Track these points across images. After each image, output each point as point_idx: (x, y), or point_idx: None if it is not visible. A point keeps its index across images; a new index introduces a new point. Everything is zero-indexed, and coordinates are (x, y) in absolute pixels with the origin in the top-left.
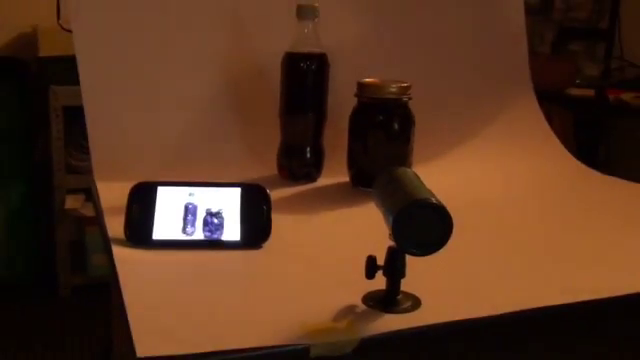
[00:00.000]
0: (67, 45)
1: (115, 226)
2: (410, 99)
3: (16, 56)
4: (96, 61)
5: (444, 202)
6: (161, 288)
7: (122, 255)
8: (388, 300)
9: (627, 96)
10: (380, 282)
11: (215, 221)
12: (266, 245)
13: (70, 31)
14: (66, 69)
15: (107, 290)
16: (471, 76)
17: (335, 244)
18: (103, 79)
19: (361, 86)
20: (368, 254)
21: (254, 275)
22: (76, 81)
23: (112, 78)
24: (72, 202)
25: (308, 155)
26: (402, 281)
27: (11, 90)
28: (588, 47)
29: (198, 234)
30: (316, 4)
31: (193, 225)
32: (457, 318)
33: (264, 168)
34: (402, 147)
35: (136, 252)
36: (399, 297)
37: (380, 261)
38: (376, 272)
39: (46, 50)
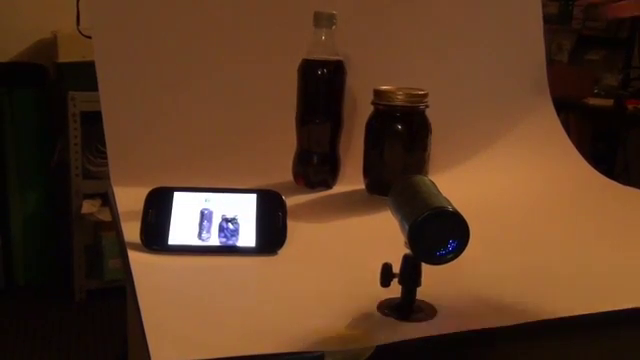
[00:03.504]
0: (86, 51)
1: (131, 231)
2: (427, 107)
3: (35, 62)
4: (115, 67)
5: (461, 210)
6: (176, 293)
7: (138, 260)
8: (403, 308)
9: None
10: (395, 290)
11: (231, 227)
12: (281, 251)
13: (89, 37)
14: (85, 75)
15: (122, 295)
16: (488, 85)
17: (350, 251)
18: (122, 85)
19: (377, 93)
20: (383, 262)
21: (269, 281)
22: (95, 87)
23: (131, 84)
24: (89, 207)
25: (324, 162)
26: (417, 289)
27: (30, 95)
28: (607, 56)
29: (213, 240)
30: (334, 11)
31: (209, 231)
32: (473, 328)
33: (280, 175)
34: (418, 155)
35: (152, 257)
36: (414, 305)
37: (396, 269)
38: (391, 280)
39: (65, 56)
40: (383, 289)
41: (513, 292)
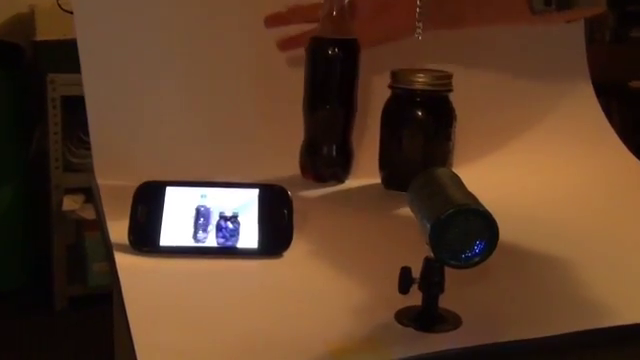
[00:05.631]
0: (67, 28)
1: (118, 230)
2: (451, 91)
3: (9, 40)
4: (99, 46)
5: (489, 208)
6: (168, 300)
7: (126, 263)
8: (424, 318)
9: None
10: (415, 297)
11: (230, 226)
12: (287, 254)
13: (71, 12)
14: (65, 55)
15: (108, 302)
16: (520, 66)
17: (365, 254)
18: (107, 66)
19: (395, 75)
20: (402, 265)
21: (273, 287)
22: (76, 68)
23: (117, 65)
24: (70, 203)
25: (335, 153)
26: (440, 297)
27: (4, 78)
28: None
29: (211, 240)
30: None
31: (205, 230)
32: (502, 340)
33: (285, 167)
34: (441, 145)
35: (141, 260)
36: (437, 314)
37: (416, 273)
38: (411, 286)
39: (43, 33)
40: (401, 296)
41: (548, 300)
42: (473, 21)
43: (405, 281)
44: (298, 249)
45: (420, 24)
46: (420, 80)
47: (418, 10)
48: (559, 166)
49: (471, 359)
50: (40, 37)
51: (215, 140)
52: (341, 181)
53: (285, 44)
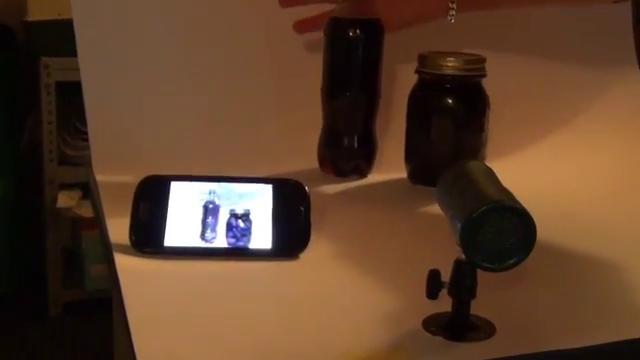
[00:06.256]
0: (62, 7)
1: (118, 230)
2: (484, 76)
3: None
4: (98, 27)
5: (525, 205)
6: (173, 307)
7: (127, 265)
8: (454, 326)
9: None
10: (445, 303)
11: (241, 225)
12: (304, 255)
13: None
14: (61, 36)
15: (108, 309)
16: (559, 50)
17: (389, 255)
18: (106, 49)
19: (423, 59)
20: (430, 268)
21: (288, 292)
22: (73, 51)
23: (117, 47)
24: (66, 200)
25: (356, 145)
26: (472, 302)
27: None
28: None
29: (220, 241)
30: None
31: (214, 229)
32: (540, 350)
33: (302, 160)
34: (473, 136)
35: (144, 262)
36: (468, 322)
37: (445, 277)
38: (440, 291)
39: (36, 13)
40: (430, 302)
41: (592, 305)
42: (509, 2)
43: (434, 285)
44: (316, 250)
45: (454, 4)
46: (450, 64)
47: None
48: (603, 159)
49: None
50: (32, 17)
51: (225, 130)
52: (363, 175)
53: (302, 26)
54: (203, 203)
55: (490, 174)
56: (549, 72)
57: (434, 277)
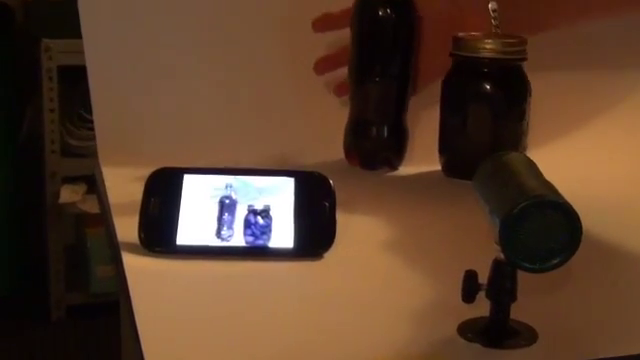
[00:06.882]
0: None
1: (127, 227)
2: (525, 59)
3: None
4: (104, 5)
5: (570, 200)
6: (186, 311)
7: (135, 266)
8: (493, 331)
9: None
10: (482, 307)
11: (260, 222)
12: (328, 255)
13: None
14: (63, 17)
15: (114, 313)
16: (605, 31)
17: (421, 255)
18: (113, 30)
19: (458, 41)
20: (466, 269)
21: (311, 295)
22: (76, 32)
23: (125, 28)
24: (69, 194)
25: (386, 135)
26: (512, 306)
27: None
28: None
29: (237, 239)
30: None
31: (231, 227)
32: (587, 357)
33: (327, 151)
34: (513, 125)
35: (154, 262)
36: (508, 327)
37: (483, 278)
38: (477, 293)
39: None
40: (466, 305)
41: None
42: (556, 22)
43: (470, 288)
44: (341, 249)
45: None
46: (488, 47)
47: (493, 23)
48: None
49: None
50: None
51: (242, 118)
52: (393, 168)
53: (323, 66)
54: (219, 198)
55: (532, 166)
56: (592, 58)
57: (471, 279)
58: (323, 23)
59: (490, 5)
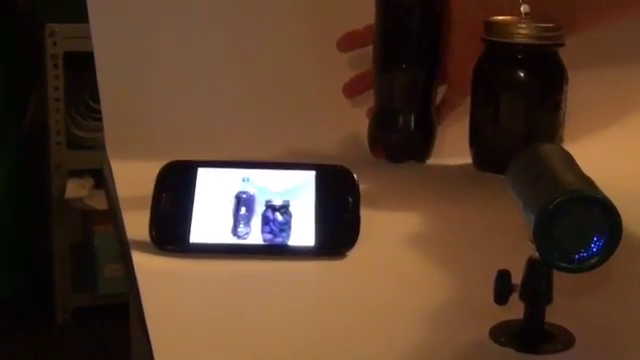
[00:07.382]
0: None
1: (137, 224)
2: (562, 45)
3: None
4: None
5: (609, 195)
6: (200, 312)
7: (146, 265)
8: (527, 335)
9: None
10: (516, 309)
11: (279, 218)
12: (351, 254)
13: None
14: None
15: (123, 315)
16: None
17: (450, 253)
18: (122, 13)
19: (490, 26)
20: (498, 268)
21: (333, 296)
22: (83, 17)
23: (135, 12)
24: (75, 189)
25: (413, 126)
26: (547, 308)
27: None
28: None
29: (255, 237)
30: None
31: (248, 224)
32: None
33: (350, 143)
34: (549, 115)
35: (166, 261)
36: (543, 331)
37: (516, 279)
38: (510, 295)
39: None
40: (498, 307)
41: None
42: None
43: (503, 289)
44: (365, 248)
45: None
46: (522, 32)
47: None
48: None
49: None
50: None
51: (260, 108)
52: (421, 160)
53: (352, 90)
54: (235, 193)
55: (568, 159)
56: (632, 45)
57: (503, 279)
58: (347, 42)
59: (522, 8)
